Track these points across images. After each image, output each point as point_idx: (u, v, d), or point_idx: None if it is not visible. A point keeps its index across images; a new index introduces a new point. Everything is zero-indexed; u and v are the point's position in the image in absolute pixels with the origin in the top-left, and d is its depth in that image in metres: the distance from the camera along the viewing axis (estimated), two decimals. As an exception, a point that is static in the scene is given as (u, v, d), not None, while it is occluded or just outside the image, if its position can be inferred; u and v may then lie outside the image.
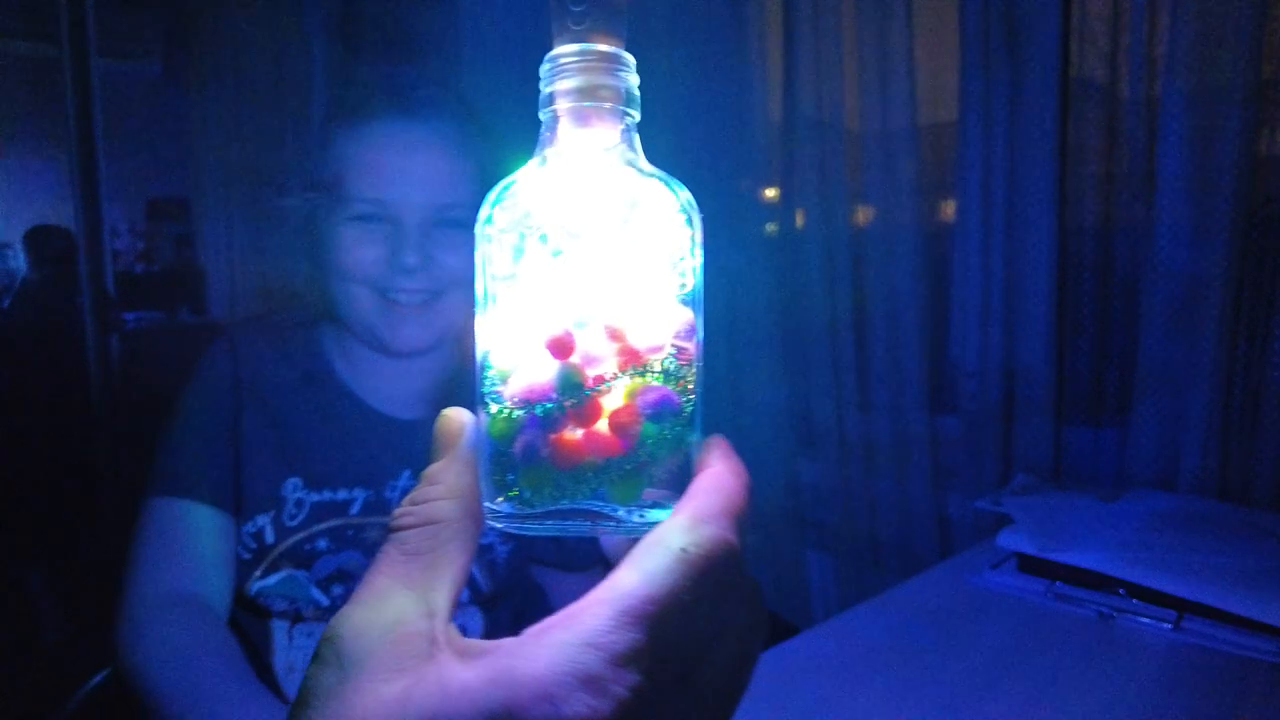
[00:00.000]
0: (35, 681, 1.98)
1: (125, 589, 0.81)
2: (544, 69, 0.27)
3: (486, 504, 0.26)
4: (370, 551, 0.72)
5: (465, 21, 1.95)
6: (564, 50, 0.27)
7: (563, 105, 0.27)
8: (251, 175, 3.18)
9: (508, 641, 0.20)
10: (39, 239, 3.37)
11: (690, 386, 0.26)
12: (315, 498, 0.87)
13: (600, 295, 0.25)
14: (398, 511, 0.24)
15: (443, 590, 0.23)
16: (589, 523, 0.25)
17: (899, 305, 1.39)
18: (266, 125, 3.08)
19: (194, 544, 0.83)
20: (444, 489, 0.24)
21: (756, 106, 1.59)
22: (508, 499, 0.25)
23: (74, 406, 2.22)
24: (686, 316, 0.26)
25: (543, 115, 0.27)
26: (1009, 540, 0.90)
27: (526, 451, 0.25)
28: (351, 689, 0.20)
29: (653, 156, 0.29)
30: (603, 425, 0.25)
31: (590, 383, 0.25)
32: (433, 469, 0.25)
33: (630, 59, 0.27)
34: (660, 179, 0.27)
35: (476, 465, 0.25)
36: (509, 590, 0.94)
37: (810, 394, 1.54)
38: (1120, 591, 0.81)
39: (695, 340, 0.27)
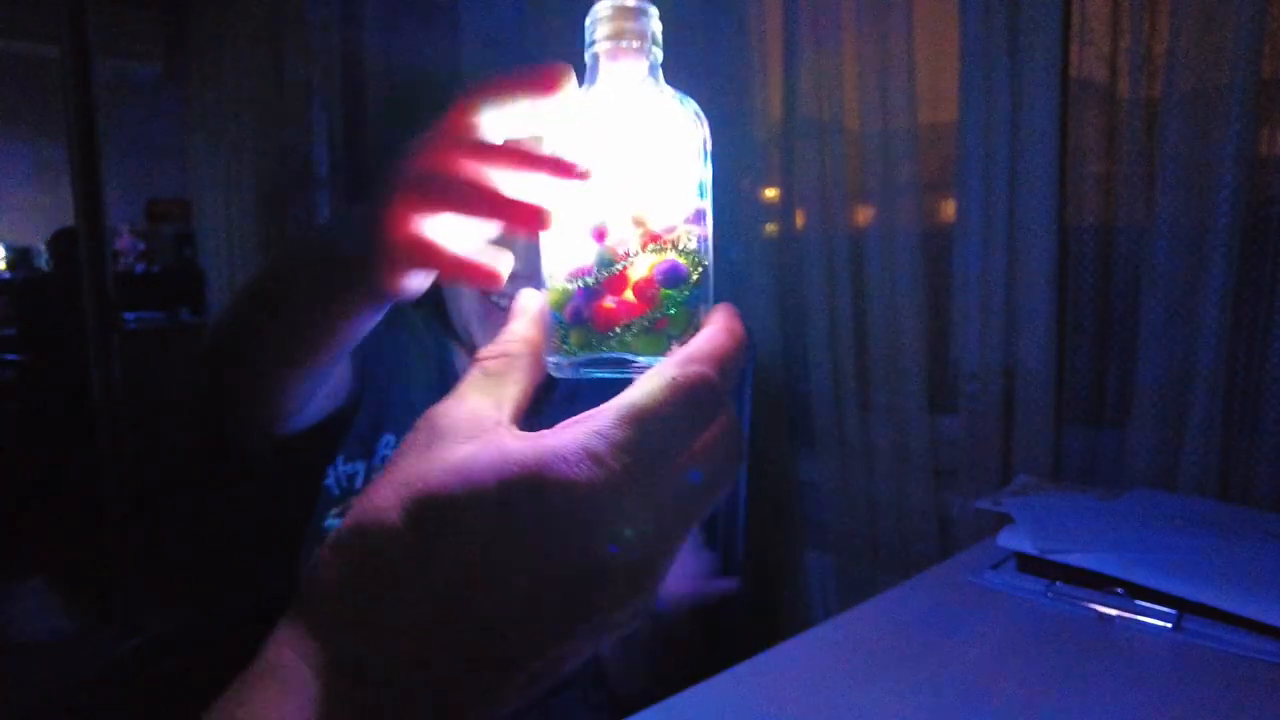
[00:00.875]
0: (37, 679, 1.98)
1: None
2: (588, 20, 0.34)
3: (546, 356, 0.33)
4: None
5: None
6: (600, 5, 0.34)
7: (601, 48, 0.34)
8: (251, 175, 3.19)
9: (546, 430, 0.28)
10: (61, 241, 3.38)
11: (700, 260, 0.32)
12: None
13: (626, 190, 0.32)
14: (484, 350, 0.32)
15: (509, 396, 0.31)
16: (619, 368, 0.32)
17: (899, 305, 1.39)
18: (267, 125, 3.08)
19: None
20: (517, 335, 0.32)
21: (756, 106, 1.59)
22: (560, 352, 0.33)
23: (74, 406, 2.22)
24: (696, 204, 0.33)
25: (587, 57, 0.34)
26: (1009, 540, 0.90)
27: (574, 315, 0.32)
28: (436, 446, 0.28)
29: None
30: (630, 293, 0.31)
31: (619, 258, 0.31)
32: (511, 326, 0.33)
33: (652, 9, 0.34)
34: (676, 98, 0.34)
35: (543, 326, 0.33)
36: None
37: (810, 394, 1.54)
38: (1120, 591, 0.81)
39: (703, 224, 0.33)
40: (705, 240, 0.33)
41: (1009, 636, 0.77)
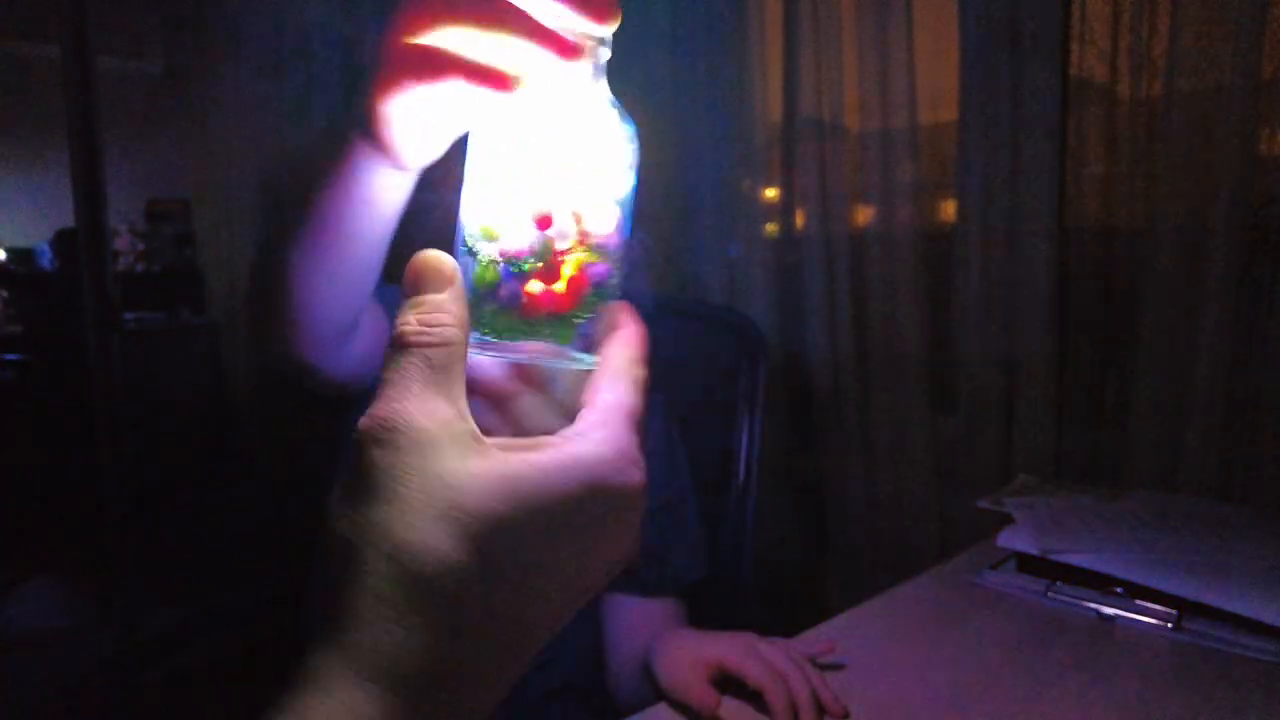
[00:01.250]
0: (37, 677, 1.98)
1: None
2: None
3: None
4: None
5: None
6: None
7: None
8: (252, 175, 3.19)
9: (550, 438, 0.28)
10: (64, 241, 3.38)
11: (620, 268, 0.34)
12: None
13: (572, 187, 0.33)
14: (415, 330, 0.29)
15: (460, 397, 0.29)
16: (534, 356, 0.33)
17: (899, 305, 1.39)
18: (267, 124, 3.08)
19: None
20: (451, 317, 0.29)
21: (756, 106, 1.59)
22: (479, 333, 0.33)
23: (74, 406, 2.22)
24: (619, 215, 0.34)
25: None
26: (1009, 540, 0.90)
27: (511, 297, 0.32)
28: (433, 464, 0.26)
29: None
30: (559, 285, 0.33)
31: (558, 252, 0.32)
32: (438, 299, 0.30)
33: None
34: (616, 109, 0.34)
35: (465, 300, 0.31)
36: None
37: (811, 394, 1.54)
38: (1120, 591, 0.81)
39: (623, 235, 0.34)
40: (623, 244, 0.35)
41: (1009, 636, 0.77)
